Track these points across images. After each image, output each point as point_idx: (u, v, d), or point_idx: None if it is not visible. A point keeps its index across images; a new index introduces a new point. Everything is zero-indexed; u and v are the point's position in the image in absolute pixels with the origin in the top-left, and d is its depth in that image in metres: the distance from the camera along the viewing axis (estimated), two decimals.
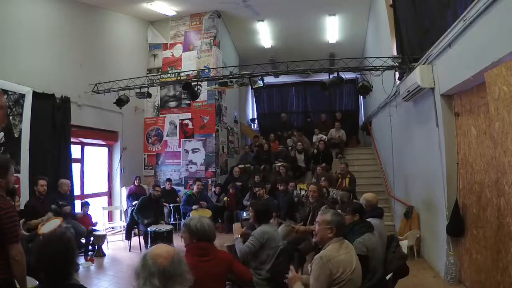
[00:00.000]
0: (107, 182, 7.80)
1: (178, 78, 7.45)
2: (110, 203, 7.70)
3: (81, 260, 5.25)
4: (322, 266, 2.11)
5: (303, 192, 6.90)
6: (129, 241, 6.20)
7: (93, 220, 6.13)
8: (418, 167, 5.29)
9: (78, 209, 6.08)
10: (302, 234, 4.16)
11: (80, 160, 7.03)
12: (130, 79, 6.72)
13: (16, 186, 5.03)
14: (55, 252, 1.57)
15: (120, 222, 7.21)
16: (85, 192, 7.00)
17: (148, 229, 5.47)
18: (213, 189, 7.96)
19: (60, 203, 5.05)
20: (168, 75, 8.31)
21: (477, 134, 3.67)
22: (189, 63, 8.58)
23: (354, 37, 9.65)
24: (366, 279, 2.68)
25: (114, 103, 6.69)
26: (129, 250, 6.03)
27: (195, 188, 7.11)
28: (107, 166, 7.87)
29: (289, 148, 9.42)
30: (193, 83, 6.71)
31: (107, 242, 6.02)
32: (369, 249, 2.75)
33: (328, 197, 5.43)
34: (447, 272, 4.07)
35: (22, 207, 4.68)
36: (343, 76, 5.59)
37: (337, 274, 2.11)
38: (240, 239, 3.23)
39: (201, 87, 8.25)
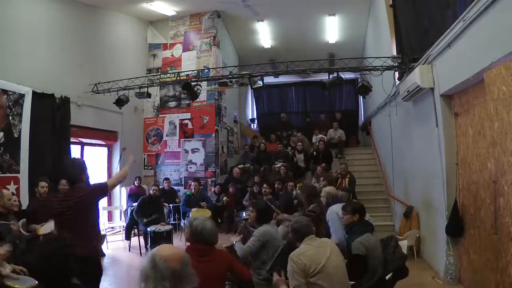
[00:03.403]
0: None
1: (178, 78, 7.45)
2: (109, 203, 7.70)
3: None
4: (293, 264, 2.24)
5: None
6: (129, 241, 6.20)
7: None
8: (417, 167, 5.29)
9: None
10: None
11: None
12: (129, 79, 6.72)
13: (16, 186, 5.05)
14: (53, 265, 1.57)
15: (120, 222, 7.21)
16: None
17: (148, 229, 5.47)
18: (213, 189, 7.96)
19: None
20: (168, 75, 8.31)
21: (473, 134, 3.68)
22: (189, 63, 8.58)
23: (354, 37, 9.65)
24: (365, 279, 2.69)
25: (113, 103, 6.69)
26: (129, 250, 6.03)
27: (192, 188, 7.11)
28: (106, 166, 7.87)
29: (289, 148, 9.44)
30: (192, 83, 6.71)
31: (107, 242, 6.02)
32: (368, 249, 2.75)
33: None
34: (446, 272, 4.07)
35: (23, 207, 4.68)
36: (343, 76, 5.59)
37: (309, 267, 2.21)
38: (240, 241, 3.24)
39: (201, 87, 8.25)
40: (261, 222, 3.23)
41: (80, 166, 2.75)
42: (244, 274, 2.49)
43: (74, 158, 2.95)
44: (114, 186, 2.93)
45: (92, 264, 2.60)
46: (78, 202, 2.56)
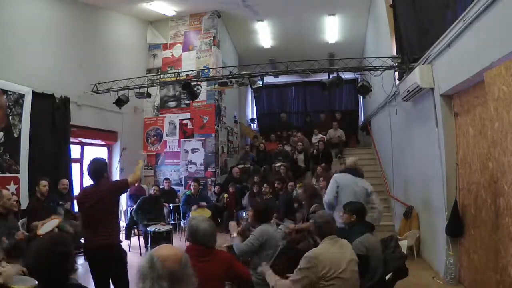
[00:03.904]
0: None
1: (178, 78, 7.45)
2: None
3: (81, 260, 5.24)
4: (307, 262, 2.20)
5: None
6: (129, 241, 6.19)
7: None
8: (417, 167, 5.29)
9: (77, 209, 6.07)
10: (301, 234, 4.17)
11: (80, 160, 7.03)
12: (129, 79, 6.72)
13: (16, 186, 5.05)
14: (49, 258, 1.58)
15: (120, 222, 7.20)
16: None
17: (148, 229, 5.47)
18: (212, 189, 7.96)
19: (60, 203, 5.05)
20: (168, 75, 8.31)
21: (474, 134, 3.68)
22: (189, 63, 8.57)
23: (354, 37, 9.65)
24: (366, 279, 2.69)
25: (113, 103, 6.69)
26: (129, 250, 6.02)
27: (192, 189, 7.11)
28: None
29: (290, 149, 9.44)
30: (192, 83, 6.71)
31: None
32: (368, 249, 2.75)
33: None
34: (446, 272, 4.07)
35: (23, 207, 4.69)
36: (343, 76, 5.59)
37: (323, 271, 2.15)
38: (238, 237, 3.23)
39: (201, 87, 8.25)
40: (260, 222, 3.23)
41: (102, 164, 3.16)
42: (244, 273, 2.49)
43: (97, 157, 3.31)
44: (133, 184, 3.44)
45: (116, 251, 3.01)
46: (102, 196, 2.90)
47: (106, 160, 3.32)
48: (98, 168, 3.05)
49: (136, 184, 7.39)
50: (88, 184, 3.13)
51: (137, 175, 3.31)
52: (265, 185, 6.66)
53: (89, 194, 2.96)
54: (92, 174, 3.04)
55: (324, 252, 2.24)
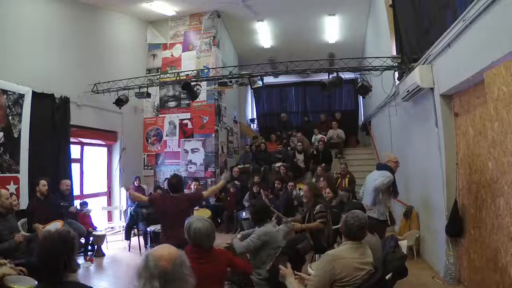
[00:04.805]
0: (106, 182, 7.79)
1: (178, 78, 7.45)
2: (109, 203, 7.70)
3: (81, 260, 5.25)
4: (326, 262, 2.16)
5: (302, 193, 6.94)
6: (129, 241, 6.19)
7: (93, 220, 6.12)
8: (417, 167, 5.29)
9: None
10: (301, 234, 4.17)
11: (80, 160, 7.02)
12: (129, 79, 6.72)
13: (16, 186, 5.05)
14: (55, 249, 1.61)
15: (120, 222, 7.21)
16: (85, 192, 7.00)
17: (148, 229, 5.48)
18: None
19: (62, 204, 5.05)
20: (168, 75, 8.31)
21: (474, 134, 3.68)
22: (189, 63, 8.57)
23: (354, 37, 9.65)
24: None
25: (113, 103, 6.69)
26: (129, 250, 6.02)
27: (192, 188, 7.10)
28: (106, 166, 7.86)
29: (289, 148, 9.44)
30: (192, 83, 6.71)
31: (107, 242, 6.01)
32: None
33: (337, 198, 5.47)
34: (446, 272, 4.07)
35: (23, 207, 4.69)
36: (343, 76, 5.59)
37: (340, 275, 2.12)
38: (237, 239, 3.25)
39: (201, 87, 8.25)
40: (258, 222, 3.23)
41: (181, 180, 3.89)
42: (245, 268, 2.52)
43: (177, 174, 4.16)
44: (208, 197, 4.35)
45: None
46: (180, 205, 3.53)
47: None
48: (178, 183, 3.73)
49: (136, 184, 7.41)
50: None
51: (214, 190, 4.09)
52: (263, 189, 6.65)
53: (170, 203, 3.59)
54: (172, 187, 3.73)
55: (345, 257, 2.19)
